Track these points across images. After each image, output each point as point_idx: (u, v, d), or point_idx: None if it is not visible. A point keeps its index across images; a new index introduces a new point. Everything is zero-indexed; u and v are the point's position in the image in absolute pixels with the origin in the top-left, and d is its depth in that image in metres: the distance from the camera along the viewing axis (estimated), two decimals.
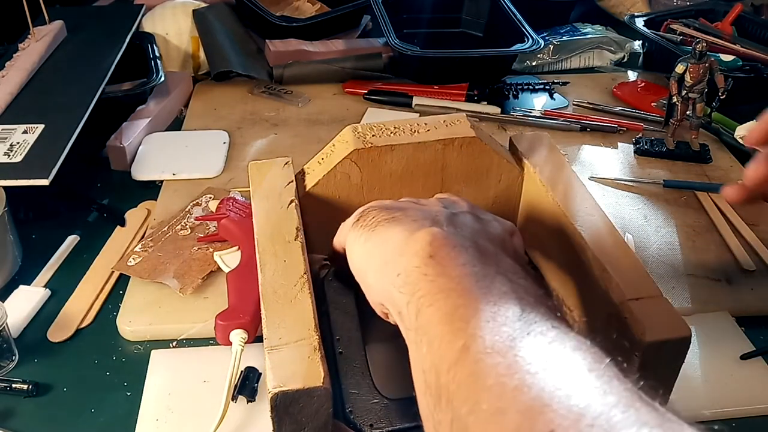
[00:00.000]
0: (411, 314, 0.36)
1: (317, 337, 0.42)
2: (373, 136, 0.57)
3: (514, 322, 0.32)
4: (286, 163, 0.59)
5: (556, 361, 0.30)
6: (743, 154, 0.92)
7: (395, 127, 0.58)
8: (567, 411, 0.26)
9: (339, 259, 0.51)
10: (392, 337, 0.52)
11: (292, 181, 0.57)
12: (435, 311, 0.35)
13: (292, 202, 0.55)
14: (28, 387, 0.59)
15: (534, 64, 1.15)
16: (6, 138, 0.77)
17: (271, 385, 0.39)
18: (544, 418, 0.26)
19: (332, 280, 0.54)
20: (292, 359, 0.41)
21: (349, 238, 0.45)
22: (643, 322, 0.43)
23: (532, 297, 0.35)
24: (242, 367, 0.58)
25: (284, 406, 0.39)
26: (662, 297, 0.46)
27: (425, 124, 0.58)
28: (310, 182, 0.57)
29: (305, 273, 0.47)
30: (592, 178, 0.87)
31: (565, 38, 1.18)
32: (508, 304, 0.33)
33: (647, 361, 0.43)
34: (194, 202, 0.80)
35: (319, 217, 0.57)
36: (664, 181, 0.86)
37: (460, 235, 0.39)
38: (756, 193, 0.59)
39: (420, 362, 0.34)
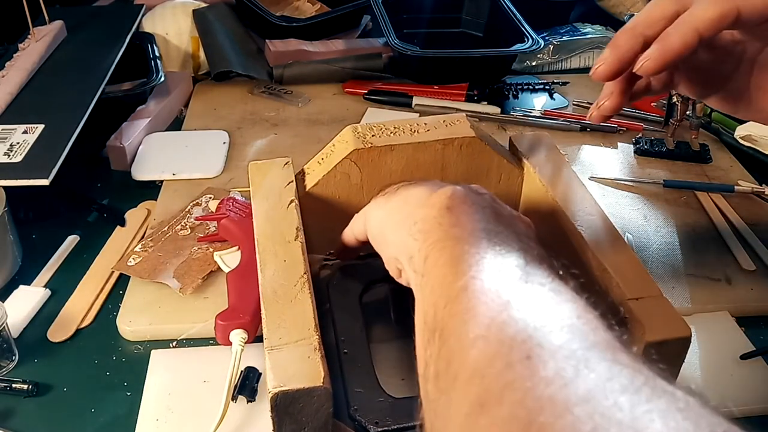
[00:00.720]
0: (420, 258, 0.38)
1: (317, 337, 0.42)
2: (373, 136, 0.57)
3: (515, 270, 0.34)
4: (286, 163, 0.59)
5: (547, 306, 0.31)
6: (743, 154, 0.92)
7: (395, 127, 0.58)
8: (547, 343, 0.28)
9: (348, 252, 0.52)
10: (396, 337, 0.53)
11: (292, 181, 0.57)
12: (441, 256, 0.37)
13: (292, 202, 0.55)
14: (28, 387, 0.59)
15: (534, 64, 1.15)
16: (6, 138, 0.77)
17: (271, 384, 0.39)
18: (523, 346, 0.28)
19: (337, 283, 0.54)
20: (292, 359, 0.41)
21: (369, 209, 0.48)
22: (643, 321, 0.43)
23: (537, 253, 0.37)
24: (242, 367, 0.58)
25: (284, 405, 0.39)
26: (662, 297, 0.46)
27: (425, 124, 0.58)
28: (310, 182, 0.58)
29: (305, 273, 0.47)
30: (592, 178, 0.87)
31: (565, 38, 1.18)
32: (513, 256, 0.35)
33: (647, 361, 0.43)
34: (194, 202, 0.80)
35: (319, 217, 0.57)
36: (664, 181, 0.86)
37: (480, 198, 0.42)
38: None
39: (422, 304, 0.36)
